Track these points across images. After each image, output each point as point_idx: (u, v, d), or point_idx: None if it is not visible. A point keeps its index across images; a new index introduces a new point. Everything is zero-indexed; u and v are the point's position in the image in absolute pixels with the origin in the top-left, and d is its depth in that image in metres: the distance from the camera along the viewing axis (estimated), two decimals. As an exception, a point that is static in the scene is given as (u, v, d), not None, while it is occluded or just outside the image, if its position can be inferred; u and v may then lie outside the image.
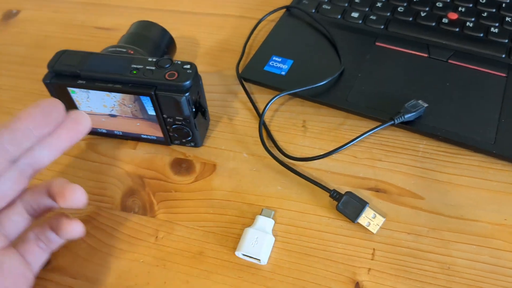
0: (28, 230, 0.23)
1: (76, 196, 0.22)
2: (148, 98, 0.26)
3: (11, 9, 0.44)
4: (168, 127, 0.28)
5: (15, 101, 0.35)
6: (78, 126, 0.22)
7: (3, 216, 0.22)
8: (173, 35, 0.35)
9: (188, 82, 0.25)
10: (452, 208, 0.27)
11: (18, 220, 0.22)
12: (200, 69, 0.36)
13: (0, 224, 0.22)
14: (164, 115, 0.27)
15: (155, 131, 0.29)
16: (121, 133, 0.30)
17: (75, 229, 0.23)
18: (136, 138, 0.30)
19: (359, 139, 0.29)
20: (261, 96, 0.34)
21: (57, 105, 0.22)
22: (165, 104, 0.26)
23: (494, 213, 0.26)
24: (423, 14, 0.36)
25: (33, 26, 0.42)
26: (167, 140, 0.30)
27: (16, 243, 0.23)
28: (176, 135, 0.29)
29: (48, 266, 0.25)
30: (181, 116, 0.27)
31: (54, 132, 0.22)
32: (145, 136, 0.30)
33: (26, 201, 0.23)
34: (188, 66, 0.26)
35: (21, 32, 0.41)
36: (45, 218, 0.24)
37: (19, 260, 0.22)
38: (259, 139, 0.30)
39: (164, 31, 0.33)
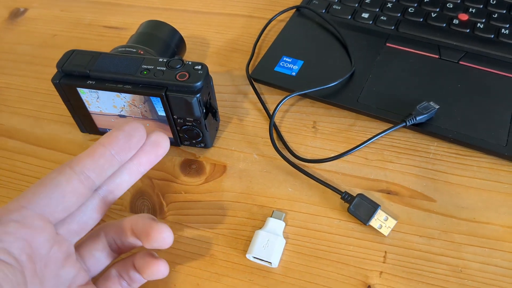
0: (111, 267, 0.22)
1: (162, 237, 0.20)
2: (158, 99, 0.25)
3: (19, 7, 0.44)
4: (178, 128, 0.28)
5: (23, 100, 0.35)
6: (158, 149, 0.22)
7: (85, 251, 0.21)
8: (183, 35, 0.34)
9: (199, 83, 0.25)
10: (464, 211, 0.26)
11: (100, 256, 0.21)
12: (210, 69, 0.36)
13: (82, 258, 0.21)
14: (174, 116, 0.27)
15: (165, 132, 0.28)
16: None
17: (161, 270, 0.21)
18: None
19: (370, 141, 0.28)
20: (271, 97, 0.33)
21: (140, 129, 0.21)
22: (175, 105, 0.26)
23: (505, 216, 0.26)
24: (433, 15, 0.36)
25: (40, 25, 0.41)
26: (176, 141, 0.29)
27: (97, 279, 0.22)
28: (186, 136, 0.28)
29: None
30: (192, 117, 0.26)
31: (134, 156, 0.21)
32: None
33: (110, 236, 0.22)
34: (199, 67, 0.25)
35: (28, 31, 0.41)
36: (129, 255, 0.22)
37: None
38: (269, 140, 0.30)
39: (174, 31, 0.32)
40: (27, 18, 0.42)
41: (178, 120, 0.27)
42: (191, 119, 0.27)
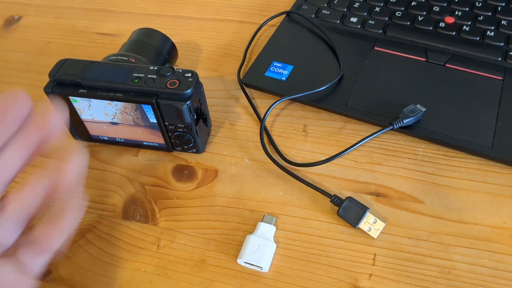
0: (25, 231, 0.19)
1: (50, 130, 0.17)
2: (149, 106, 0.25)
3: (13, 15, 0.43)
4: (169, 134, 0.27)
5: (18, 107, 0.34)
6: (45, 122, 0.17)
7: None
8: (175, 41, 0.33)
9: (189, 91, 0.24)
10: (452, 212, 0.26)
11: (10, 227, 0.18)
12: (202, 74, 0.35)
13: None
14: (165, 123, 0.26)
15: (157, 138, 0.28)
16: (122, 140, 0.29)
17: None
18: (138, 145, 0.29)
19: (359, 144, 0.28)
20: (262, 101, 0.32)
21: (19, 97, 0.17)
22: (166, 112, 0.25)
23: (493, 216, 0.25)
24: (420, 18, 0.35)
25: (35, 32, 0.41)
26: (168, 147, 0.28)
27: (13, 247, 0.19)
28: (177, 142, 0.28)
29: (48, 277, 0.24)
30: (183, 123, 0.26)
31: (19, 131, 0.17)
32: (146, 143, 0.29)
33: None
34: (190, 74, 0.25)
35: (23, 38, 0.40)
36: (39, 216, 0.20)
37: (13, 267, 0.18)
38: (260, 144, 0.29)
39: (165, 38, 0.32)
40: (21, 26, 0.42)
41: (170, 127, 0.26)
42: (182, 126, 0.26)
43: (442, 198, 0.26)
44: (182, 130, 0.26)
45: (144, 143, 0.29)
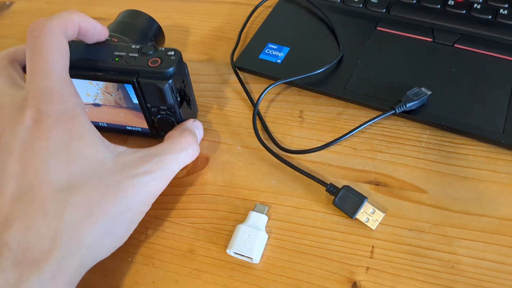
0: None
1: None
2: (130, 86, 0.23)
3: (5, 0, 0.41)
4: (152, 117, 0.25)
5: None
6: None
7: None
8: (165, 24, 0.31)
9: (171, 69, 0.23)
10: (457, 202, 0.24)
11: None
12: (193, 57, 0.33)
13: None
14: (148, 104, 0.24)
15: (140, 122, 0.26)
16: (106, 125, 0.27)
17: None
18: (122, 131, 0.28)
19: (357, 130, 0.26)
20: (256, 86, 0.30)
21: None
22: (148, 92, 0.23)
23: (502, 207, 0.23)
24: (427, -4, 0.32)
25: (26, 18, 0.39)
26: (152, 132, 0.27)
27: None
28: (161, 126, 0.26)
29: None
30: (165, 105, 0.24)
31: None
32: (130, 128, 0.27)
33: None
34: (172, 53, 0.23)
35: (14, 24, 0.39)
36: None
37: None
38: (253, 131, 0.27)
39: (151, 20, 0.30)
40: (13, 11, 0.40)
41: (152, 109, 0.25)
42: (164, 108, 0.24)
43: (447, 187, 0.24)
44: (164, 112, 0.25)
45: (128, 127, 0.27)
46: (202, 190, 0.26)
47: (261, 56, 0.30)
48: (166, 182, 0.22)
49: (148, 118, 0.25)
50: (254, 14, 0.35)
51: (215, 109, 0.30)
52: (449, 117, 0.26)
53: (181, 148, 0.23)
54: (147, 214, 0.25)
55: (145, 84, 0.23)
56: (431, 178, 0.25)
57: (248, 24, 0.34)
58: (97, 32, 0.23)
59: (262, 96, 0.28)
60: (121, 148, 0.22)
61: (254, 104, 0.28)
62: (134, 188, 0.20)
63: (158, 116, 0.25)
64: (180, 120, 0.25)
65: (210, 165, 0.27)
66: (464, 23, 0.31)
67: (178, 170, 0.23)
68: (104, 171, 0.20)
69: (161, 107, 0.24)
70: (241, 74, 0.31)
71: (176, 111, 0.25)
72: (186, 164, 0.24)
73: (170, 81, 0.23)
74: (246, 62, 0.31)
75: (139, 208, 0.21)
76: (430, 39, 0.30)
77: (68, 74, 0.21)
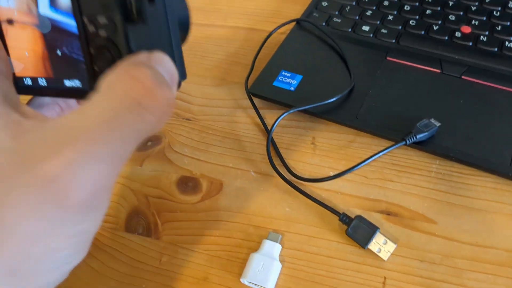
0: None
1: None
2: None
3: None
4: (91, 49, 0.14)
5: None
6: None
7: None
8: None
9: None
10: (466, 234, 0.24)
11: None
12: (209, 82, 0.34)
13: None
14: (84, 18, 0.14)
15: (76, 72, 0.15)
16: (45, 84, 0.17)
17: None
18: (60, 91, 0.17)
19: (369, 161, 0.26)
20: (270, 111, 0.31)
21: None
22: None
23: (510, 239, 0.24)
24: (435, 28, 0.33)
25: None
26: (90, 82, 0.15)
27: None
28: (100, 66, 0.15)
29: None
30: (104, 11, 0.13)
31: None
32: (68, 84, 0.16)
33: None
34: None
35: None
36: None
37: None
38: (267, 157, 0.28)
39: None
40: None
41: (90, 27, 0.14)
42: (105, 23, 0.14)
43: (456, 218, 0.25)
44: (105, 35, 0.14)
45: (66, 82, 0.16)
46: (216, 216, 0.26)
47: (275, 83, 0.31)
48: (104, 189, 0.13)
49: (85, 48, 0.14)
50: (268, 40, 0.36)
51: (229, 134, 0.30)
52: (458, 149, 0.27)
53: (128, 104, 0.13)
54: (162, 240, 0.25)
55: None
56: (441, 208, 0.25)
57: (262, 50, 0.35)
58: None
59: (276, 124, 0.28)
60: (29, 120, 0.13)
61: (268, 131, 0.29)
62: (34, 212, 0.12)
63: (97, 44, 0.14)
64: (124, 50, 0.14)
65: (224, 190, 0.27)
66: (471, 55, 0.32)
67: (129, 154, 0.13)
68: None
69: (100, 21, 0.14)
70: (255, 100, 0.31)
71: (119, 28, 0.13)
72: (145, 136, 0.13)
73: None
74: (260, 89, 0.31)
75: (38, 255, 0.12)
76: (439, 70, 0.31)
77: None
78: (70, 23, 0.15)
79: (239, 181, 0.28)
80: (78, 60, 0.15)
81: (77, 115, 0.13)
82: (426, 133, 0.27)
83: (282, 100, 0.30)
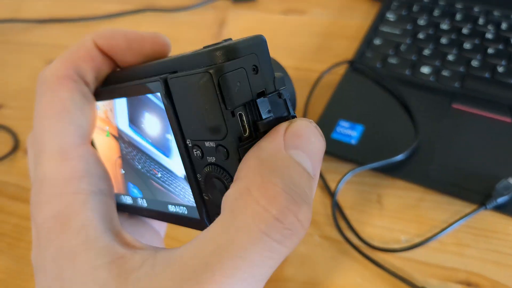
0: None
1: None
2: (151, 98, 0.12)
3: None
4: (197, 175, 0.13)
5: None
6: None
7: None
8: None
9: (232, 47, 0.11)
10: (555, 308, 0.22)
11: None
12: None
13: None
14: (187, 142, 0.12)
15: (183, 193, 0.14)
16: (146, 206, 0.16)
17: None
18: (164, 216, 0.15)
19: (448, 230, 0.24)
20: (331, 165, 0.29)
21: None
22: (181, 100, 0.12)
23: None
24: (500, 69, 0.31)
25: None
26: (201, 215, 0.13)
27: None
28: (213, 198, 0.13)
29: None
30: (215, 134, 0.12)
31: None
32: (173, 210, 0.15)
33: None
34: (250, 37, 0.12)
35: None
36: None
37: None
38: (331, 219, 0.26)
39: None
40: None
41: (195, 151, 0.12)
42: (218, 139, 0.12)
43: (543, 290, 0.23)
44: (213, 161, 0.12)
45: (170, 209, 0.15)
46: (283, 288, 0.24)
47: (334, 136, 0.29)
48: None
49: (191, 178, 0.13)
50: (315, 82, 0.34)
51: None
52: (539, 211, 0.24)
53: (255, 238, 0.10)
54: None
55: (177, 82, 0.12)
56: (525, 278, 0.23)
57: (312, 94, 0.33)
58: (145, 39, 0.14)
59: (340, 185, 0.26)
60: (136, 259, 0.11)
61: (332, 193, 0.27)
62: None
63: (205, 168, 0.12)
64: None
65: (288, 257, 0.25)
66: (541, 100, 0.29)
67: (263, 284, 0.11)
68: None
69: (208, 143, 0.12)
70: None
71: (231, 155, 0.11)
72: (280, 262, 0.11)
73: (227, 68, 0.11)
74: (319, 143, 0.29)
75: None
76: (509, 120, 0.29)
77: (77, 144, 0.13)
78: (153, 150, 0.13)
79: (303, 246, 0.26)
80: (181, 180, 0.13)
81: (203, 247, 0.11)
82: (507, 197, 0.25)
83: (344, 155, 0.28)
